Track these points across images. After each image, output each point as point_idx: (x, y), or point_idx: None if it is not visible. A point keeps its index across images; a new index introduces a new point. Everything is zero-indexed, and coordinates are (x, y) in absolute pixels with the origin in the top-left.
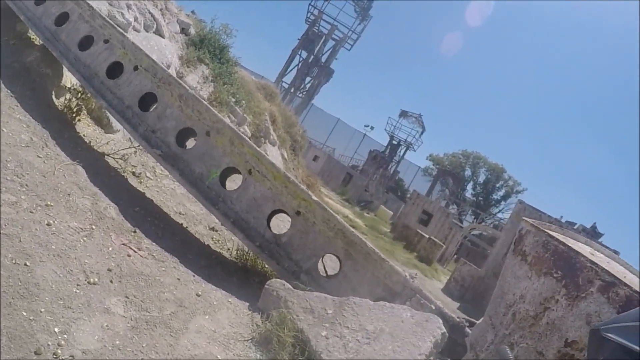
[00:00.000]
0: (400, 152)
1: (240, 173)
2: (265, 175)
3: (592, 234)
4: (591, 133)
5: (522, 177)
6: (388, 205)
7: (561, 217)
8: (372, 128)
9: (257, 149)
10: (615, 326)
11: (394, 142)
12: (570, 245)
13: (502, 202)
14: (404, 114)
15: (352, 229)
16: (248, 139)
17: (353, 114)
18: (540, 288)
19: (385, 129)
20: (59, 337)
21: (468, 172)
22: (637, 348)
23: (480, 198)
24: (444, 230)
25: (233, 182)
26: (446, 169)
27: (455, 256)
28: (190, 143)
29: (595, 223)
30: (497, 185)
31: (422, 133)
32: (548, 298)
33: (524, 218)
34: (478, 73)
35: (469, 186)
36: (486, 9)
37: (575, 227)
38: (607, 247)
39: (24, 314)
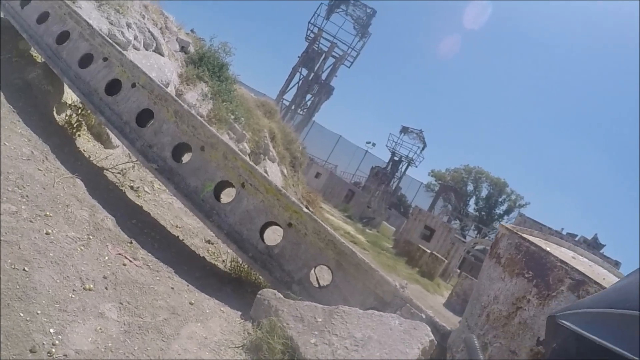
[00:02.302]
0: (402, 168)
1: (233, 186)
2: (258, 188)
3: (594, 245)
4: (594, 142)
5: (524, 189)
6: (390, 221)
7: (562, 229)
8: (373, 145)
9: (250, 162)
10: (570, 312)
11: (396, 159)
12: (541, 246)
13: (505, 217)
14: (405, 130)
15: (343, 240)
16: (241, 153)
17: (355, 131)
18: (513, 288)
19: (386, 145)
20: (54, 338)
21: (470, 187)
22: (588, 334)
23: (483, 213)
24: (446, 246)
25: (227, 196)
26: (448, 184)
27: (458, 271)
28: (186, 157)
29: (596, 234)
30: (500, 199)
31: (423, 148)
32: (520, 298)
33: (501, 224)
34: (477, 84)
35: (472, 201)
36: (484, 12)
37: (577, 238)
38: (608, 258)
39: (21, 315)
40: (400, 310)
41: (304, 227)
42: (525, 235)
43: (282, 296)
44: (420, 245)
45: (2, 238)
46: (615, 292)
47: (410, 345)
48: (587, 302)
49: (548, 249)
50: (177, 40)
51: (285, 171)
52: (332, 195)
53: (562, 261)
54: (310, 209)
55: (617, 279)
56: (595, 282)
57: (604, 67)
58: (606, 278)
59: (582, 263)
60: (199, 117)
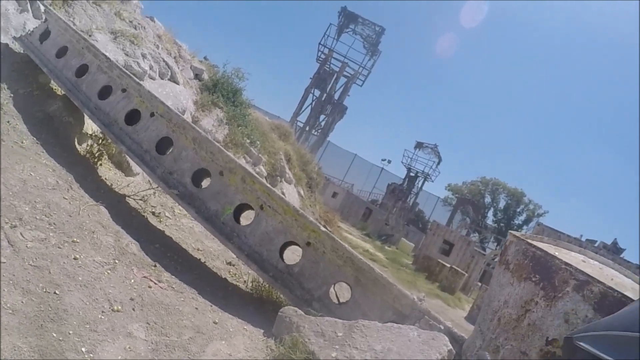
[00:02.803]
0: (418, 183)
1: (252, 209)
2: (276, 209)
3: (614, 250)
4: (612, 145)
5: (542, 197)
6: (409, 237)
7: (581, 235)
8: (389, 162)
9: (267, 185)
10: (587, 335)
11: (412, 174)
12: (546, 250)
13: (524, 227)
14: (419, 145)
15: (360, 256)
16: (258, 177)
17: (370, 149)
18: (521, 292)
19: (402, 162)
20: (86, 356)
21: (488, 199)
22: (606, 357)
23: (501, 224)
24: (465, 259)
25: (246, 218)
26: (465, 198)
27: (479, 284)
28: (205, 182)
29: (616, 239)
30: (518, 210)
31: (438, 163)
32: (528, 301)
33: (510, 232)
34: (487, 93)
35: (490, 213)
36: (481, 11)
37: (596, 244)
38: (628, 262)
39: (54, 335)
40: (419, 322)
41: (322, 246)
42: (531, 241)
43: (302, 313)
44: (439, 260)
45: (33, 264)
46: (632, 313)
47: (429, 355)
48: (604, 323)
49: (557, 253)
50: (191, 68)
51: (302, 192)
52: (350, 214)
53: (566, 263)
54: (328, 229)
55: (627, 280)
56: (599, 282)
57: (623, 67)
58: (614, 279)
59: (591, 265)
60: (216, 143)
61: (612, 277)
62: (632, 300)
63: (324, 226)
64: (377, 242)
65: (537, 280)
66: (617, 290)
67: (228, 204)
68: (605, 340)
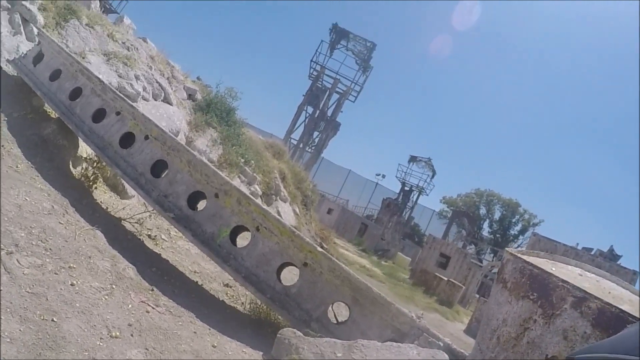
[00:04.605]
0: (413, 197)
1: (249, 230)
2: (272, 231)
3: (610, 257)
4: (604, 151)
5: (537, 206)
6: (405, 251)
7: (577, 244)
8: (383, 176)
9: (263, 206)
10: (588, 356)
11: (406, 189)
12: (543, 268)
13: (520, 237)
14: (413, 159)
15: (358, 276)
16: (254, 198)
17: (364, 164)
18: (520, 310)
19: (396, 176)
20: None
21: (483, 211)
22: None
23: (497, 235)
24: (462, 271)
25: (243, 239)
26: (461, 210)
27: (477, 296)
28: (201, 205)
29: (612, 246)
30: (513, 220)
31: (432, 176)
32: (527, 319)
33: (506, 249)
34: (480, 102)
35: (485, 224)
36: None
37: (593, 252)
38: (625, 268)
39: None
40: (418, 340)
41: (319, 266)
42: (528, 259)
43: (301, 334)
44: (436, 274)
45: (30, 290)
46: (634, 336)
47: None
48: (606, 345)
49: (553, 269)
50: (184, 88)
51: (297, 210)
52: (346, 230)
53: (563, 280)
54: (325, 246)
55: (625, 292)
56: (596, 298)
57: (620, 71)
58: (612, 292)
59: (588, 279)
60: (211, 166)
61: (609, 290)
62: (629, 315)
63: (321, 244)
64: (374, 257)
65: (535, 299)
66: (614, 306)
67: (224, 226)
68: None
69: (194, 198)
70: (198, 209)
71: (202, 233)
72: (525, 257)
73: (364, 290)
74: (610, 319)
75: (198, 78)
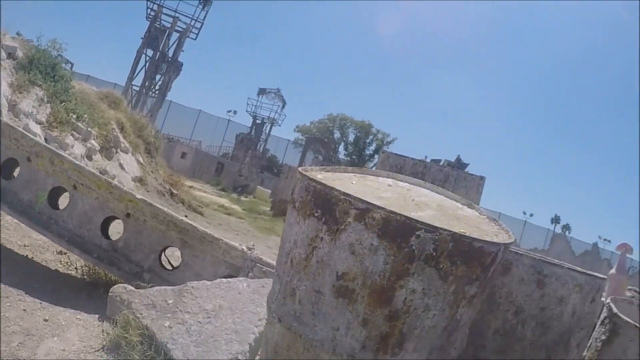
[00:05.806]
0: (266, 129)
1: (67, 191)
2: (90, 186)
3: (457, 166)
4: (447, 64)
5: (390, 126)
6: (265, 184)
7: (426, 157)
8: (235, 112)
9: (77, 162)
10: None
11: (258, 122)
12: (325, 183)
13: (376, 156)
14: (262, 91)
15: (182, 218)
16: (66, 155)
17: (215, 103)
18: (307, 230)
19: (246, 110)
20: None
21: (337, 135)
22: None
23: (354, 157)
24: None
25: (67, 199)
26: (315, 136)
27: None
28: (17, 173)
29: (459, 155)
30: (367, 140)
31: (283, 107)
32: (314, 237)
33: (298, 168)
34: (320, 29)
35: (341, 147)
36: None
37: (441, 162)
38: (472, 175)
39: None
40: (252, 271)
41: (141, 214)
42: (311, 175)
43: (132, 288)
44: None
45: None
46: None
47: (261, 304)
48: None
49: (353, 182)
50: (2, 47)
51: (141, 159)
52: (202, 172)
53: (344, 193)
54: (174, 192)
55: (436, 196)
56: (380, 207)
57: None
58: (417, 199)
59: (395, 189)
60: (19, 128)
61: (415, 197)
62: (417, 222)
63: (170, 190)
64: (233, 195)
65: (319, 215)
66: (399, 214)
67: (41, 190)
68: None
69: (10, 166)
70: (14, 178)
71: (19, 203)
72: (309, 174)
73: (190, 231)
74: (397, 228)
75: (18, 34)
